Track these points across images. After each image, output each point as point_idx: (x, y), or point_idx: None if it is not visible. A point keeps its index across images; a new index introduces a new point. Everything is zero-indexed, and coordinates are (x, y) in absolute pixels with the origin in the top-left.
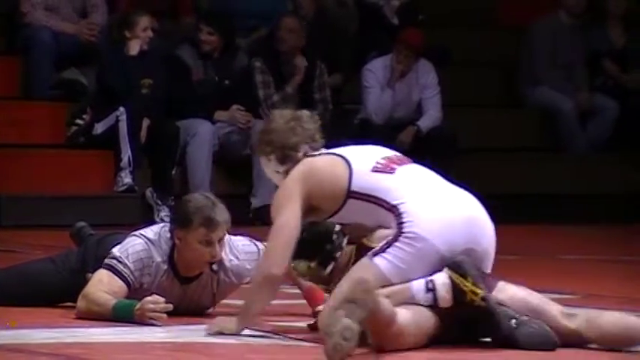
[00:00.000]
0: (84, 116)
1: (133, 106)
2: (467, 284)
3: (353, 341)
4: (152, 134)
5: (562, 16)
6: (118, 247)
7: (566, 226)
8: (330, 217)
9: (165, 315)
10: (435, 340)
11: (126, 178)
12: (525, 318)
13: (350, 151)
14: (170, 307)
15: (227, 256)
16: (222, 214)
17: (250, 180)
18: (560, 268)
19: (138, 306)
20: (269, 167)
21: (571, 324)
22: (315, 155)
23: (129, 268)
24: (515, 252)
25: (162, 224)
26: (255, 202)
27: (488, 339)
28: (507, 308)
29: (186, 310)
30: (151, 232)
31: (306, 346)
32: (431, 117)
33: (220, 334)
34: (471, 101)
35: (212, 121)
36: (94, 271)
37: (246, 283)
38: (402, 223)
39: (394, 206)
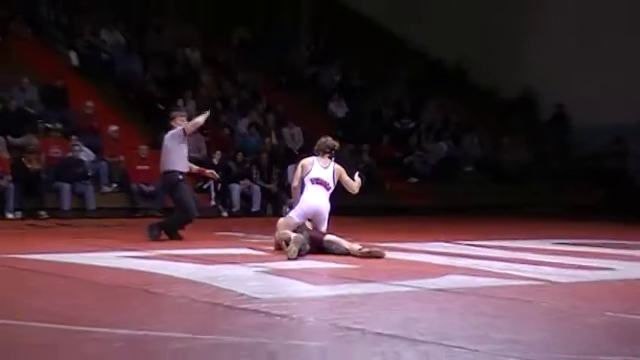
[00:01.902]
0: None
1: None
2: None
3: (296, 252)
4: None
5: None
6: None
7: None
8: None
9: None
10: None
11: None
12: (335, 247)
13: (316, 164)
14: None
15: None
16: None
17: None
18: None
19: None
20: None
21: (353, 249)
22: (313, 156)
23: None
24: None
25: None
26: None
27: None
28: (333, 243)
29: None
30: None
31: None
32: None
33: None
34: None
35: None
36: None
37: None
38: (301, 201)
39: (303, 193)
